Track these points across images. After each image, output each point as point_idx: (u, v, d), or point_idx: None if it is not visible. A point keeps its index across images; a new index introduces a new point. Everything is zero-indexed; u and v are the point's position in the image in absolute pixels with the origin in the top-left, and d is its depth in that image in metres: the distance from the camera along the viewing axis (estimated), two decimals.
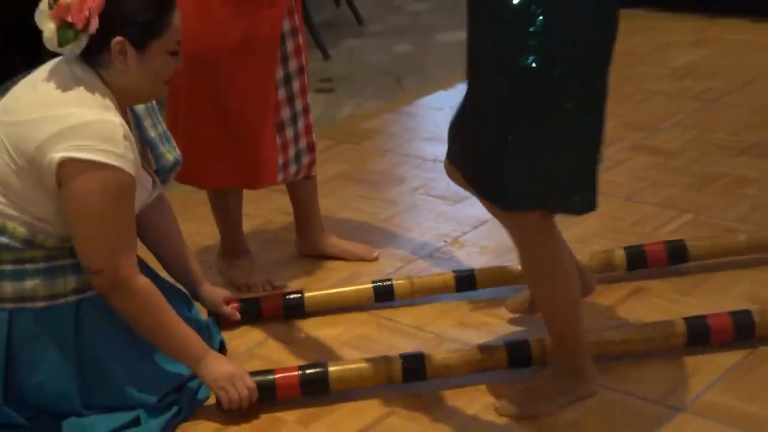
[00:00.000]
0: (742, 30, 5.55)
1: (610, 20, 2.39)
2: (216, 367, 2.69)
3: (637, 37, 5.55)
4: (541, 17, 2.29)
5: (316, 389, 2.76)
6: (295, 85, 3.32)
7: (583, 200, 2.51)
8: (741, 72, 5.01)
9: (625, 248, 3.30)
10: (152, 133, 2.89)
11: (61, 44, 2.59)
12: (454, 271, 3.29)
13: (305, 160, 3.42)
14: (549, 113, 2.38)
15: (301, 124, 3.37)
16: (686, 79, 4.98)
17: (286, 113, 3.32)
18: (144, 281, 2.66)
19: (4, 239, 2.64)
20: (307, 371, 2.76)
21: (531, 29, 2.30)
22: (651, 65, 5.20)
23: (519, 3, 2.30)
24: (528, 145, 2.41)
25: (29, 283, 2.66)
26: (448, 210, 3.88)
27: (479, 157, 2.53)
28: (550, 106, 2.37)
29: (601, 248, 3.37)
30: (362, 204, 4.02)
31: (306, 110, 3.38)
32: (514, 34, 2.32)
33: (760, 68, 5.03)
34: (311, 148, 3.43)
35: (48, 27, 2.58)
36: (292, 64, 3.30)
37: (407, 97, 5.03)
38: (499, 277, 3.27)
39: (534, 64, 2.31)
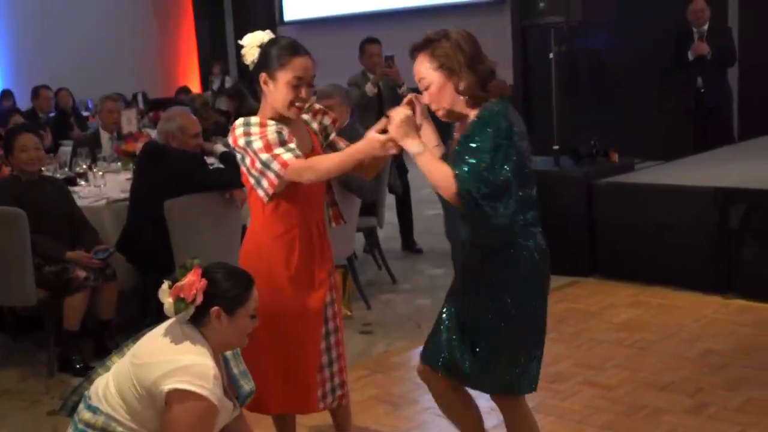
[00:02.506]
0: (665, 296, 5.52)
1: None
2: None
3: (589, 299, 5.56)
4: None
5: None
6: (332, 339, 3.33)
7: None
8: (663, 328, 4.97)
9: None
10: (235, 370, 2.94)
11: (176, 313, 2.71)
12: None
13: (338, 393, 3.39)
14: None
15: (335, 367, 3.35)
16: (623, 332, 4.95)
17: (324, 359, 3.31)
18: None
19: None
20: None
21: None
22: (599, 320, 5.18)
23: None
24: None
25: None
26: (449, 426, 3.78)
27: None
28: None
29: None
30: (387, 420, 3.99)
31: (339, 357, 3.37)
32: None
33: (677, 326, 5.00)
34: (343, 385, 3.40)
35: (167, 301, 2.71)
36: (331, 325, 3.32)
37: (424, 339, 4.92)
38: None
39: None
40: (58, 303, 4.76)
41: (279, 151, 3.03)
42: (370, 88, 6.88)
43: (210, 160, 5.36)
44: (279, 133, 3.07)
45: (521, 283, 2.82)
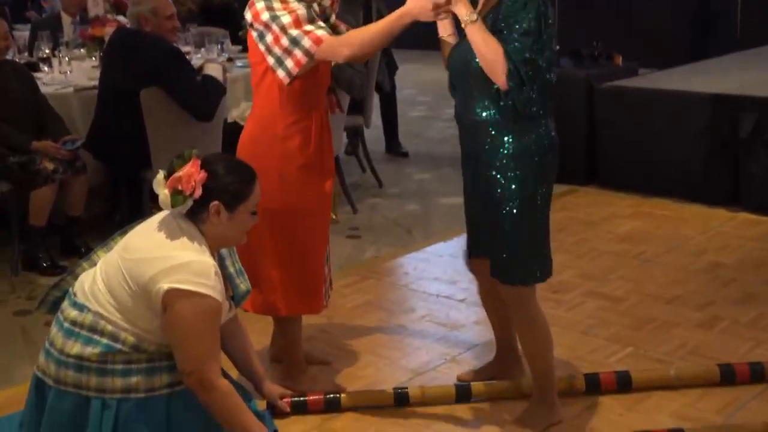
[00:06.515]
0: (667, 208, 5.51)
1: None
2: None
3: (589, 209, 5.53)
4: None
5: None
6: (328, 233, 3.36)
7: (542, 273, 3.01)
8: (667, 240, 4.97)
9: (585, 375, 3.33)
10: (231, 269, 2.89)
11: (173, 206, 2.62)
12: (455, 384, 3.29)
13: (330, 292, 3.45)
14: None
15: (329, 263, 3.40)
16: (626, 243, 4.94)
17: (326, 252, 3.34)
18: (224, 382, 2.65)
19: (117, 345, 2.64)
20: None
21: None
22: (600, 231, 5.16)
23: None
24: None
25: (134, 379, 2.65)
26: (448, 334, 3.85)
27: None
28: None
29: (564, 373, 3.35)
30: (382, 327, 3.97)
31: (329, 253, 3.40)
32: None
33: (681, 238, 5.00)
34: (331, 283, 3.47)
35: (163, 192, 2.62)
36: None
37: (416, 245, 4.99)
38: (489, 391, 3.27)
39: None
40: (24, 197, 4.63)
41: (309, 27, 2.94)
42: None
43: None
44: (309, 8, 2.98)
45: (539, 166, 2.89)
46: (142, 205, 4.73)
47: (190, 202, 2.63)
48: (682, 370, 3.39)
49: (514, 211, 2.88)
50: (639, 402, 3.24)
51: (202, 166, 2.64)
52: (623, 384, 3.29)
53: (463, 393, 3.24)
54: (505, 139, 2.86)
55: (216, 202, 2.64)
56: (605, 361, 3.57)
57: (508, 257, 2.92)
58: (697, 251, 4.79)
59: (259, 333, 3.60)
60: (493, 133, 2.87)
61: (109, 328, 2.65)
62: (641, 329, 3.87)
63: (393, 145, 7.09)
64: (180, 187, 2.61)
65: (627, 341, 3.75)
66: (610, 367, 3.44)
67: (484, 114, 2.87)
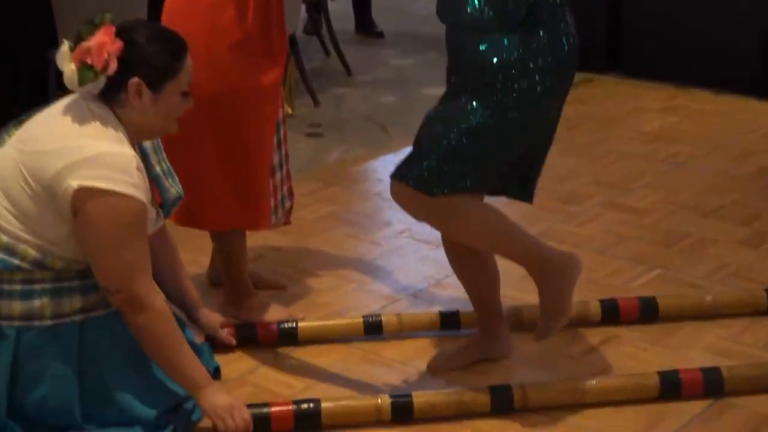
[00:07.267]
0: (706, 101, 5.54)
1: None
2: (216, 397, 2.66)
3: (609, 102, 5.54)
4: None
5: (308, 424, 2.76)
6: (281, 132, 3.33)
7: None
8: (705, 140, 5.00)
9: (600, 301, 3.34)
10: (157, 169, 2.86)
11: (81, 84, 2.58)
12: (440, 311, 3.31)
13: (287, 204, 3.44)
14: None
15: (284, 169, 3.39)
16: (655, 143, 4.97)
17: (275, 158, 3.31)
18: (160, 301, 2.64)
19: (15, 261, 2.61)
20: (301, 406, 2.77)
21: None
22: (622, 129, 5.18)
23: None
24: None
25: (37, 303, 2.63)
26: (431, 253, 3.85)
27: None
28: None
29: (576, 298, 3.36)
30: (349, 244, 3.99)
31: (287, 157, 3.40)
32: None
33: (723, 138, 5.03)
34: (291, 193, 3.45)
35: (69, 68, 2.58)
36: (280, 113, 3.30)
37: (393, 145, 4.96)
38: None
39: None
40: None
41: None
42: None
43: None
44: None
45: (533, 71, 2.70)
46: (47, 94, 4.69)
47: (102, 80, 2.58)
48: (720, 295, 3.41)
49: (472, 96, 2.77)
50: (667, 334, 3.26)
51: (117, 34, 2.59)
52: (647, 312, 3.31)
53: (449, 320, 3.25)
54: (500, 47, 2.69)
55: (136, 79, 2.60)
56: (626, 286, 3.60)
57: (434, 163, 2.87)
58: (743, 153, 4.83)
59: (197, 250, 3.60)
60: (483, 38, 2.70)
61: (4, 239, 2.63)
62: (671, 247, 3.90)
63: (364, 23, 7.05)
64: (90, 60, 2.56)
65: (654, 262, 3.78)
66: (633, 293, 3.46)
67: (471, 12, 2.69)
